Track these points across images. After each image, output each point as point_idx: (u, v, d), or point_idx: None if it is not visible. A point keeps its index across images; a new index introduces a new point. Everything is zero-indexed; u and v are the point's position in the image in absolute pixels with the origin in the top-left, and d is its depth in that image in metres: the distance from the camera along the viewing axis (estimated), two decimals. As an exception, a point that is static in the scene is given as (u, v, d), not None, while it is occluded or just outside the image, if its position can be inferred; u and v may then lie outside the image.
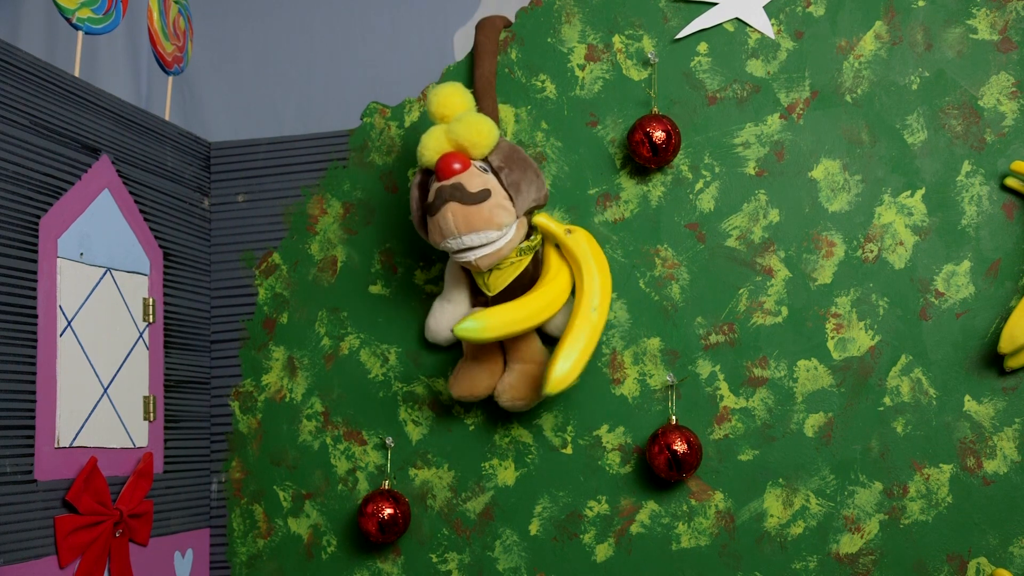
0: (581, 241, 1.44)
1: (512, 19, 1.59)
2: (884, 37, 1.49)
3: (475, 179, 1.37)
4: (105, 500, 1.37)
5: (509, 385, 1.49)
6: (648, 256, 1.53)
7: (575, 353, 1.38)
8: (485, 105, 1.51)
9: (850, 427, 1.47)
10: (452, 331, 1.38)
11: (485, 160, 1.40)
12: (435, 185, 1.38)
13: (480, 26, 1.57)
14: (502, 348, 1.51)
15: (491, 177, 1.39)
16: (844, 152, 1.49)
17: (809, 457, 1.47)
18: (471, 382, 1.50)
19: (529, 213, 1.44)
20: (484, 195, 1.36)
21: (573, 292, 1.45)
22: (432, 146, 1.38)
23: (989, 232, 1.45)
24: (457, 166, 1.37)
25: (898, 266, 1.47)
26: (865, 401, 1.46)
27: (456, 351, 1.56)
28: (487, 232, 1.37)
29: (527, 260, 1.44)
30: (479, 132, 1.37)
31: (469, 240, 1.37)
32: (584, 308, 1.41)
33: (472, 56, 1.57)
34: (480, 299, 1.49)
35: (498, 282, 1.43)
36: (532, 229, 1.46)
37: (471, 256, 1.39)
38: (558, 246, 1.46)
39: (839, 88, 1.50)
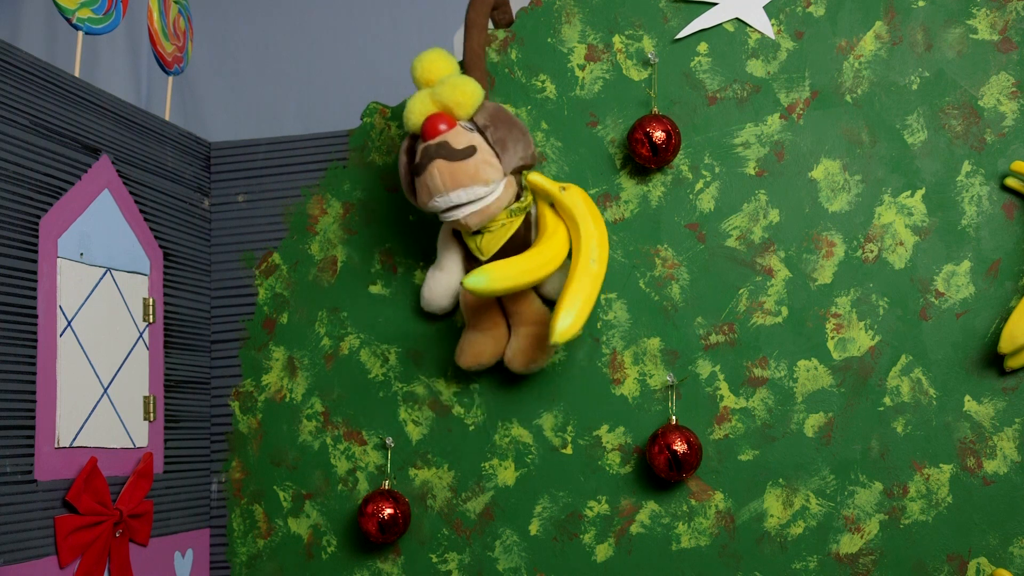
0: (576, 197, 1.44)
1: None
2: (884, 37, 1.49)
3: (461, 137, 1.38)
4: (105, 500, 1.37)
5: (519, 350, 1.50)
6: (648, 256, 1.53)
7: (578, 303, 1.38)
8: (474, 77, 1.51)
9: (850, 427, 1.47)
10: (461, 284, 1.37)
11: (471, 120, 1.41)
12: (421, 145, 1.40)
13: (472, 2, 1.58)
14: (504, 314, 1.51)
15: (477, 135, 1.40)
16: (844, 152, 1.49)
17: (809, 457, 1.47)
18: (477, 351, 1.51)
19: (518, 173, 1.45)
20: (470, 151, 1.37)
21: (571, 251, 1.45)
22: (418, 109, 1.40)
23: (989, 232, 1.45)
24: (443, 126, 1.38)
25: (898, 266, 1.47)
26: (865, 401, 1.46)
27: (452, 322, 1.56)
28: (474, 188, 1.38)
29: (518, 222, 1.45)
30: (463, 92, 1.39)
31: (456, 197, 1.38)
32: (583, 260, 1.41)
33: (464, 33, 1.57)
34: (473, 265, 1.49)
35: (490, 245, 1.44)
36: (522, 190, 1.46)
37: (459, 214, 1.40)
38: (553, 205, 1.46)
39: (839, 88, 1.50)
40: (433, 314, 1.58)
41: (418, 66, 1.42)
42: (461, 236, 1.48)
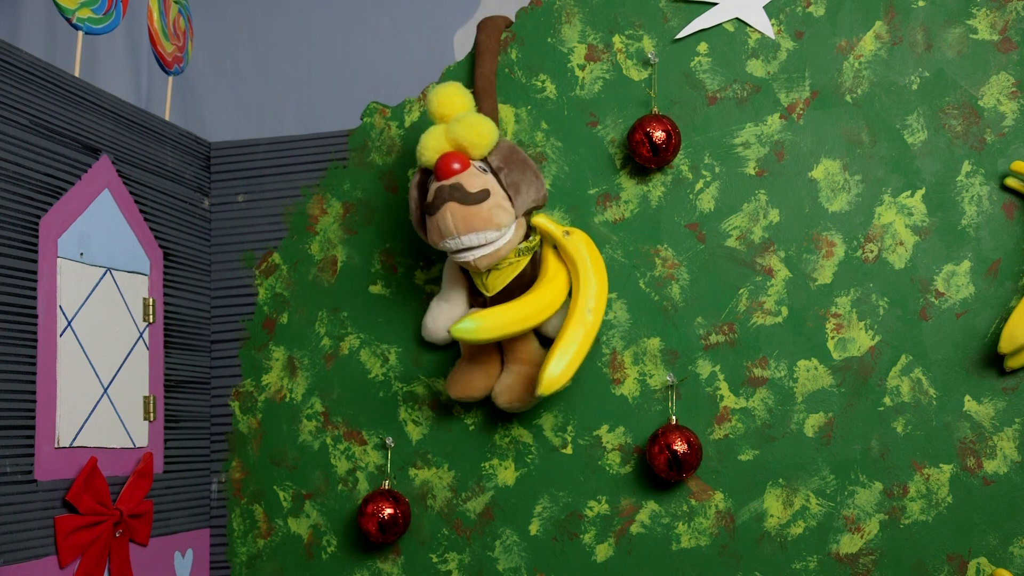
0: (579, 243, 1.44)
1: (513, 19, 1.59)
2: (884, 37, 1.49)
3: (474, 179, 1.37)
4: (105, 500, 1.37)
5: (507, 387, 1.49)
6: (648, 256, 1.53)
7: (569, 355, 1.39)
8: (485, 105, 1.51)
9: (850, 427, 1.47)
10: (448, 331, 1.38)
11: (484, 160, 1.40)
12: (434, 185, 1.38)
13: (482, 26, 1.58)
14: (499, 349, 1.51)
15: (490, 177, 1.39)
16: (844, 152, 1.49)
17: (809, 457, 1.47)
18: (468, 383, 1.51)
19: (528, 214, 1.44)
20: (483, 195, 1.36)
21: (570, 294, 1.45)
22: (432, 146, 1.39)
23: (989, 232, 1.45)
24: (456, 166, 1.37)
25: (898, 266, 1.47)
26: (865, 401, 1.47)
27: (455, 350, 1.56)
28: (486, 232, 1.37)
29: (525, 261, 1.44)
30: (479, 133, 1.37)
31: (468, 240, 1.37)
32: (579, 310, 1.41)
33: (473, 56, 1.57)
34: (478, 299, 1.49)
35: (496, 282, 1.43)
36: (531, 229, 1.46)
37: (470, 256, 1.39)
38: (556, 247, 1.46)
39: (839, 88, 1.50)
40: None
41: (434, 100, 1.40)
42: (467, 270, 1.47)
